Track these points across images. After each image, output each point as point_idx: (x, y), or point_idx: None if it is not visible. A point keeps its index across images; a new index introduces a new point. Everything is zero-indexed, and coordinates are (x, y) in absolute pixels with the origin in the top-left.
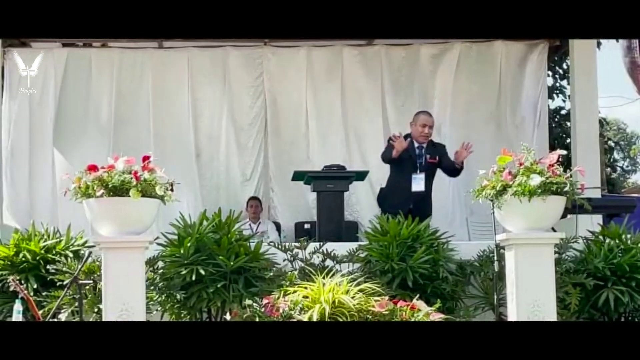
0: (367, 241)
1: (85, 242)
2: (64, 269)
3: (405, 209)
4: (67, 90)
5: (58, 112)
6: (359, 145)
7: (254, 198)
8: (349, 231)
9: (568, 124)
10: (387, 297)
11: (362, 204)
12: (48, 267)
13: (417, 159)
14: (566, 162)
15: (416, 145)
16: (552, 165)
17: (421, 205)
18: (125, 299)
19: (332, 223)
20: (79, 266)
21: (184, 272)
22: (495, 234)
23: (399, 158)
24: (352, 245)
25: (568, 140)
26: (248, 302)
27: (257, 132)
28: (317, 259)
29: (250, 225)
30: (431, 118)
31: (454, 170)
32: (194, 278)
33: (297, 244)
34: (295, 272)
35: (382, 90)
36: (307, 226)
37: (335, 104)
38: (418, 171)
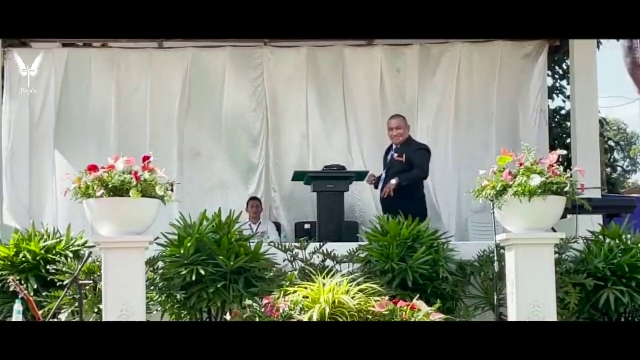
0: (367, 241)
1: (85, 242)
2: (64, 269)
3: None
4: (67, 90)
5: (58, 112)
6: (360, 145)
7: (254, 198)
8: (349, 231)
9: (568, 124)
10: (387, 297)
11: (365, 205)
12: (48, 267)
13: (388, 161)
14: (566, 162)
15: (393, 147)
16: (552, 165)
17: (385, 204)
18: (125, 299)
19: (332, 223)
20: (79, 266)
21: (184, 272)
22: (495, 234)
23: None
24: (352, 245)
25: (568, 140)
26: (248, 302)
27: (257, 132)
28: (317, 259)
29: (250, 226)
30: (395, 120)
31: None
32: (194, 278)
33: (297, 244)
34: (295, 272)
35: (382, 90)
36: (307, 226)
37: (336, 103)
38: (383, 170)
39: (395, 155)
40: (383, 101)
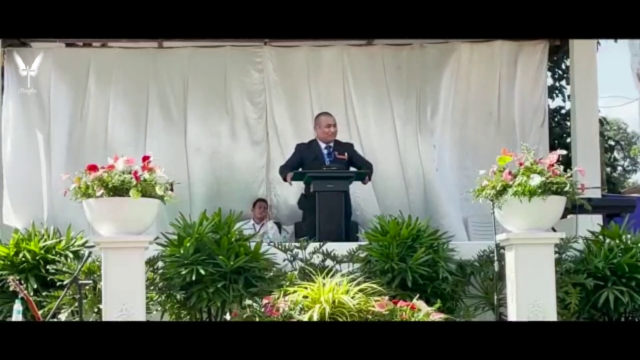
0: (367, 241)
1: (85, 242)
2: (64, 269)
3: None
4: (66, 90)
5: (58, 112)
6: (361, 145)
7: (262, 200)
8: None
9: (568, 124)
10: (387, 297)
11: (367, 204)
12: (48, 267)
13: (326, 158)
14: (566, 162)
15: (323, 146)
16: (552, 165)
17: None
18: (125, 299)
19: (332, 223)
20: (79, 266)
21: (184, 272)
22: (495, 234)
23: (302, 164)
24: (352, 245)
25: (568, 140)
26: (248, 302)
27: (257, 133)
28: (317, 259)
29: (253, 225)
30: (332, 117)
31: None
32: (194, 278)
33: (297, 244)
34: (295, 272)
35: (383, 90)
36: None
37: (337, 103)
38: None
39: (336, 153)
40: (383, 101)
